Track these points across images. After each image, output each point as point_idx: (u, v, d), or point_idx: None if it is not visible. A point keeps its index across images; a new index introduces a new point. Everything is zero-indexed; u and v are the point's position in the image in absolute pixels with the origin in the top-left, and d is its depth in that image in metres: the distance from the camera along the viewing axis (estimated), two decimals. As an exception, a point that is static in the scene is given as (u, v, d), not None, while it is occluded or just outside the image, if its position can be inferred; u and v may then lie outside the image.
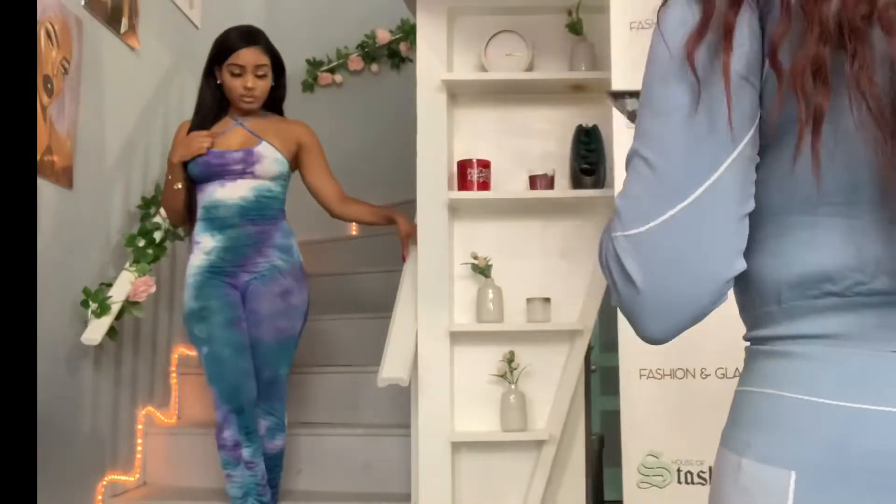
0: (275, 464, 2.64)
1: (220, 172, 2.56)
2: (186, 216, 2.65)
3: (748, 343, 0.72)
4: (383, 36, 4.59)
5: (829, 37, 0.57)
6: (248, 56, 2.59)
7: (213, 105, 2.68)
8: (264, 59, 2.61)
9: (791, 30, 0.59)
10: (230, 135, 2.62)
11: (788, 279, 0.65)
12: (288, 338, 2.58)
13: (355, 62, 4.62)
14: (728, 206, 0.64)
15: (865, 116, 0.57)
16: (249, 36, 2.65)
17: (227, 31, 2.69)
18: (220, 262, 2.55)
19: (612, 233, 0.67)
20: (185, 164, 2.59)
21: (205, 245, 2.57)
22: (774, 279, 0.66)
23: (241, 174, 2.56)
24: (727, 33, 0.61)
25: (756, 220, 0.66)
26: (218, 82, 2.65)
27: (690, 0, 0.64)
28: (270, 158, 2.58)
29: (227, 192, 2.55)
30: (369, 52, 4.61)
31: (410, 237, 2.56)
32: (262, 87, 2.62)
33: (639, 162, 0.66)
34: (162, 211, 3.08)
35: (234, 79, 2.60)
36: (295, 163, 2.70)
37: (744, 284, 0.69)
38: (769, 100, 0.62)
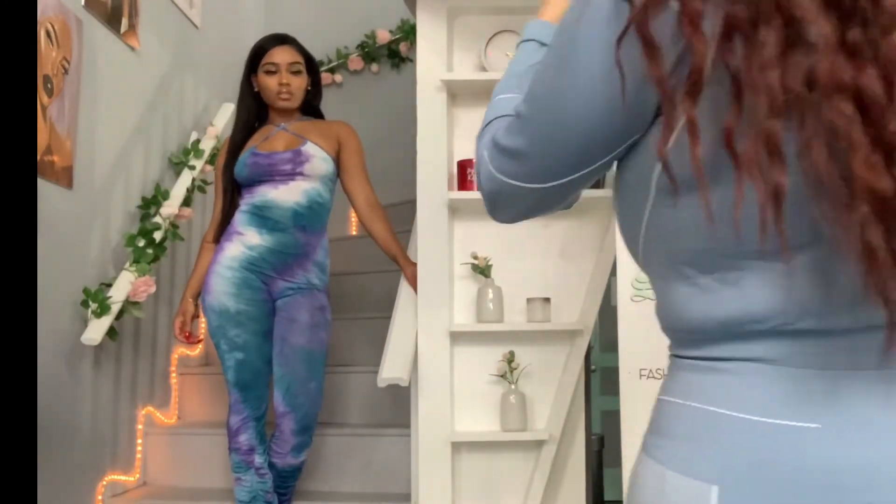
0: (295, 477, 2.65)
1: (270, 173, 2.56)
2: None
3: (673, 356, 0.74)
4: (383, 36, 4.59)
5: (778, 108, 0.56)
6: (282, 54, 2.62)
7: (253, 115, 2.69)
8: (298, 57, 2.64)
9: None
10: (274, 139, 2.63)
11: (715, 315, 0.66)
12: (325, 349, 2.59)
13: (355, 62, 4.63)
14: (575, 188, 0.76)
15: (816, 186, 0.56)
16: (280, 37, 2.69)
17: (259, 39, 2.72)
18: (263, 262, 2.54)
19: (487, 156, 0.78)
20: (230, 176, 2.63)
21: (249, 239, 2.54)
22: (701, 311, 0.67)
23: (292, 175, 2.56)
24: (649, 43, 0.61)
25: (685, 255, 0.67)
26: (255, 90, 2.66)
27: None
28: (318, 157, 2.59)
29: (282, 195, 2.55)
30: (369, 52, 4.62)
31: (415, 279, 2.54)
32: (298, 83, 2.63)
33: (523, 129, 0.73)
34: (162, 211, 3.08)
35: (270, 77, 2.61)
36: (338, 163, 2.69)
37: (671, 309, 0.71)
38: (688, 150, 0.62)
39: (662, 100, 0.61)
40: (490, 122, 0.83)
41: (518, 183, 0.76)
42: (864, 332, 0.62)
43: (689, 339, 0.70)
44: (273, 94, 2.61)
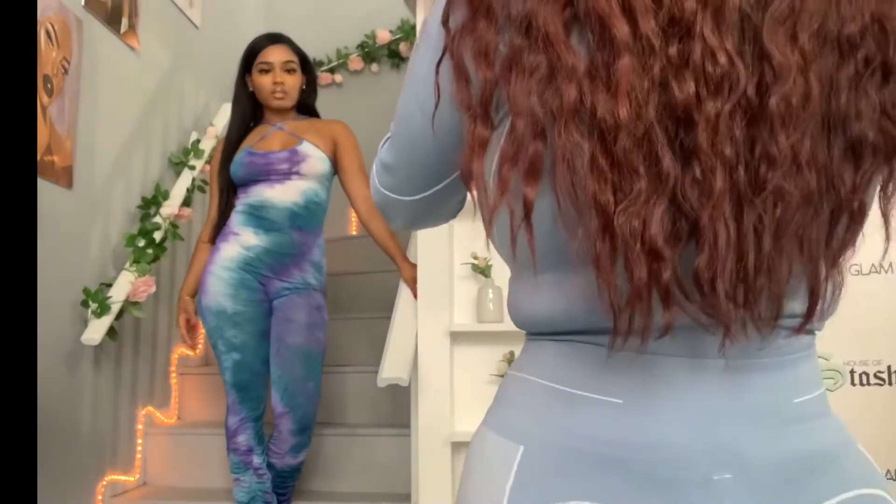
0: (294, 477, 2.65)
1: (267, 172, 2.56)
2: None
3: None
4: (383, 36, 4.59)
5: (538, 131, 0.60)
6: (275, 53, 2.61)
7: (248, 114, 2.69)
8: (292, 56, 2.64)
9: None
10: (270, 138, 2.63)
11: (539, 313, 0.71)
12: (322, 349, 2.59)
13: (355, 62, 4.63)
14: (443, 201, 0.81)
15: (564, 205, 0.60)
16: (274, 36, 2.68)
17: (253, 39, 2.71)
18: (259, 263, 2.54)
19: (375, 171, 0.83)
20: (227, 176, 2.63)
21: (245, 239, 2.54)
22: (531, 308, 0.72)
23: (288, 174, 2.56)
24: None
25: (519, 256, 0.71)
26: (250, 90, 2.66)
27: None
28: (315, 157, 2.59)
29: (278, 195, 2.55)
30: (369, 52, 4.62)
31: (413, 280, 2.54)
32: (292, 82, 2.62)
33: (393, 146, 0.78)
34: (162, 211, 3.08)
35: (264, 76, 2.61)
36: (335, 162, 2.69)
37: (512, 300, 0.76)
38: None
39: (465, 120, 0.65)
40: (385, 139, 0.88)
41: (394, 195, 0.81)
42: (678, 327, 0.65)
43: (526, 329, 0.75)
44: (267, 92, 2.61)
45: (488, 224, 0.69)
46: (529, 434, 0.68)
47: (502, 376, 2.48)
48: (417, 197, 0.80)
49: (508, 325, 2.50)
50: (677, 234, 0.58)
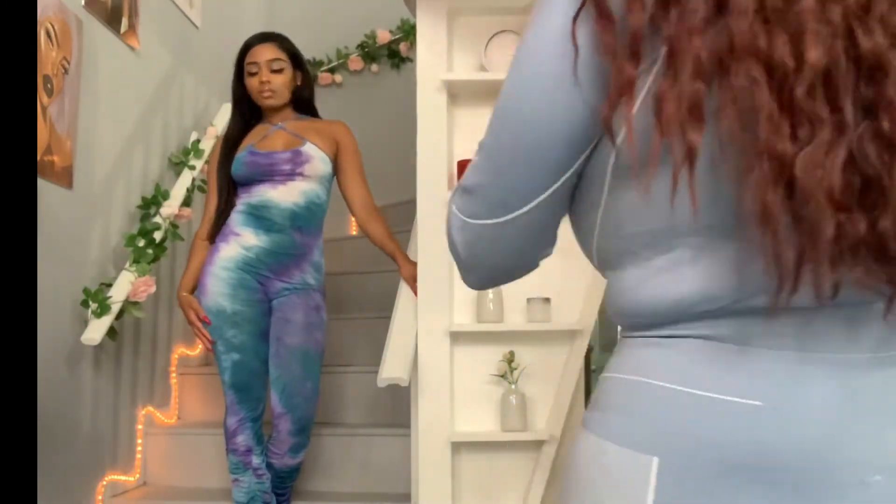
0: (293, 477, 2.65)
1: (269, 173, 2.55)
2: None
3: (623, 336, 0.74)
4: (383, 36, 4.59)
5: (702, 71, 0.57)
6: (262, 52, 2.60)
7: (247, 113, 2.68)
8: (279, 55, 2.62)
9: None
10: (272, 138, 2.62)
11: (671, 296, 0.65)
12: (321, 350, 2.59)
13: (355, 62, 4.63)
14: (543, 221, 0.74)
15: (728, 149, 0.57)
16: (264, 35, 2.68)
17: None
18: (259, 263, 2.53)
19: (454, 206, 0.77)
20: (226, 175, 2.60)
21: (246, 240, 2.53)
22: (655, 294, 0.66)
23: (291, 175, 2.55)
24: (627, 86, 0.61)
25: (642, 237, 0.67)
26: (246, 91, 2.66)
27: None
28: (318, 158, 2.59)
29: (280, 195, 2.54)
30: (369, 52, 4.62)
31: (413, 278, 2.53)
32: (279, 81, 2.61)
33: (484, 161, 0.73)
34: (162, 211, 3.08)
35: (252, 78, 2.61)
36: (335, 163, 2.68)
37: (621, 292, 0.70)
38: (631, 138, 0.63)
39: (612, 67, 0.61)
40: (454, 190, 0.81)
41: (490, 220, 0.73)
42: (816, 312, 0.62)
43: (639, 323, 0.69)
44: (256, 94, 2.61)
45: (639, 176, 0.63)
46: (662, 444, 0.63)
47: (502, 376, 2.48)
48: (511, 216, 0.72)
49: (508, 325, 2.50)
50: (852, 189, 0.55)
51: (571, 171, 0.70)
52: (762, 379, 0.62)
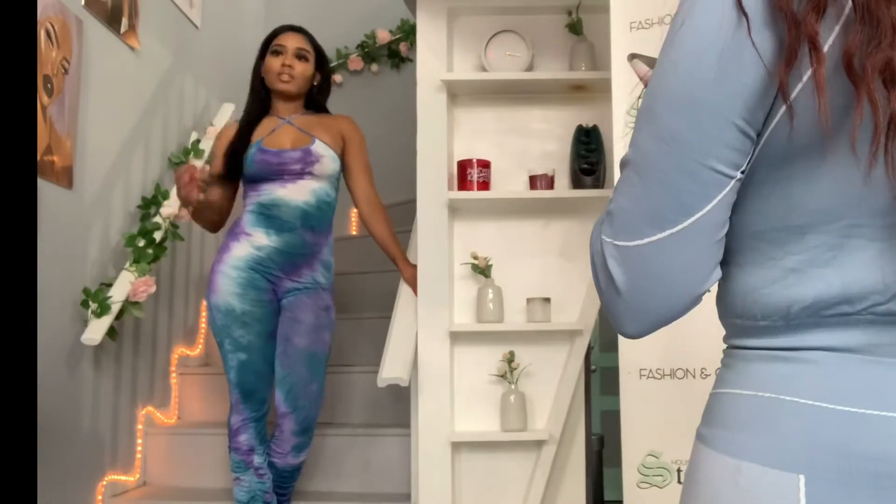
0: (295, 477, 2.65)
1: (279, 172, 2.54)
2: (222, 222, 2.63)
3: (735, 348, 0.72)
4: (383, 36, 4.59)
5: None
6: (292, 38, 2.63)
7: (259, 101, 2.66)
8: (307, 45, 2.65)
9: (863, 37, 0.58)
10: (280, 133, 2.61)
11: (803, 298, 0.64)
12: (328, 350, 2.58)
13: (355, 62, 4.63)
14: (710, 233, 0.66)
15: None
16: (294, 26, 2.71)
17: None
18: (270, 263, 2.52)
19: (603, 235, 0.70)
20: (239, 164, 2.57)
21: (256, 240, 2.52)
22: (786, 295, 0.65)
23: (301, 174, 2.55)
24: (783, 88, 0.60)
25: (772, 235, 0.65)
26: (262, 77, 2.64)
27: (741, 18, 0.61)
28: (328, 157, 2.58)
29: (290, 194, 2.53)
30: (369, 52, 4.62)
31: (413, 281, 2.54)
32: (302, 69, 2.61)
33: (634, 176, 0.67)
34: (162, 210, 3.08)
35: (275, 57, 2.61)
36: (342, 159, 2.68)
37: (742, 294, 0.68)
38: (804, 116, 0.61)
39: (787, 26, 0.59)
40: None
41: (623, 242, 0.67)
42: None
43: (760, 328, 0.67)
44: (274, 74, 2.59)
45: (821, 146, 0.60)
46: (806, 461, 0.62)
47: (502, 376, 2.49)
48: (659, 237, 0.66)
49: (508, 325, 2.50)
50: None
51: (752, 156, 0.65)
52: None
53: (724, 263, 0.70)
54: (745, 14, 0.60)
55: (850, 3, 0.58)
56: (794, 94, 0.60)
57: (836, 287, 0.62)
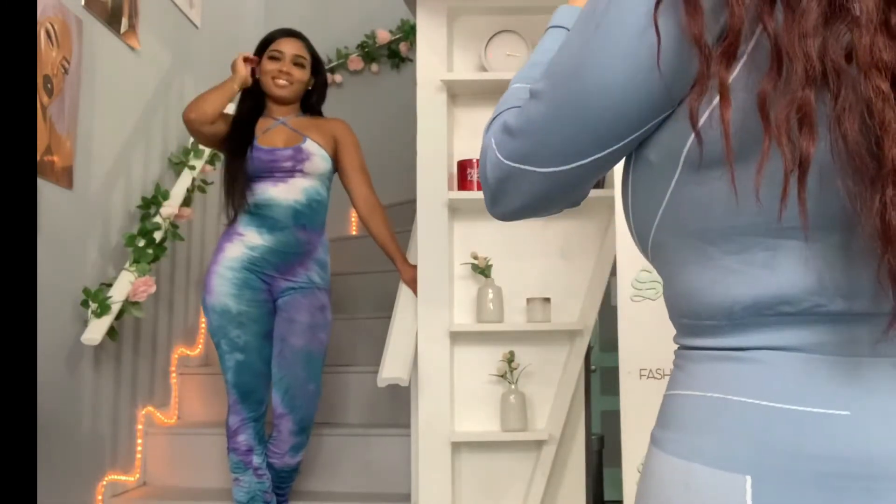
0: (293, 477, 2.65)
1: (271, 170, 2.55)
2: (208, 118, 2.53)
3: (682, 348, 0.72)
4: (383, 36, 4.59)
5: (814, 77, 0.56)
6: (289, 44, 2.64)
7: (252, 101, 2.66)
8: (304, 52, 2.66)
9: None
10: (273, 133, 2.62)
11: (743, 298, 0.64)
12: (324, 350, 2.59)
13: (355, 62, 4.63)
14: (587, 178, 0.72)
15: (844, 160, 0.56)
16: (292, 31, 2.71)
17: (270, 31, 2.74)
18: (264, 263, 2.53)
19: (494, 142, 0.74)
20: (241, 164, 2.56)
21: (249, 240, 2.54)
22: (727, 295, 0.65)
23: (291, 172, 2.56)
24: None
25: (708, 235, 0.65)
26: (257, 77, 2.65)
27: None
28: (318, 156, 2.59)
29: (281, 192, 2.55)
30: (369, 52, 4.62)
31: (413, 282, 2.54)
32: (299, 75, 2.63)
33: (539, 108, 0.69)
34: (162, 211, 3.08)
35: (272, 62, 2.61)
36: (335, 161, 2.69)
37: (686, 294, 0.68)
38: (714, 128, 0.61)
39: (699, 60, 0.60)
40: (500, 113, 0.78)
41: (529, 167, 0.71)
42: (884, 318, 0.61)
43: (706, 327, 0.67)
44: (270, 79, 2.61)
45: (730, 172, 0.60)
46: (753, 462, 0.61)
47: (502, 376, 2.49)
48: (566, 167, 0.70)
49: (508, 325, 2.50)
50: None
51: (631, 139, 0.67)
52: (844, 389, 0.61)
53: (668, 262, 0.70)
54: (659, 36, 0.61)
55: (762, 37, 0.58)
56: (701, 121, 0.61)
57: (772, 288, 0.62)
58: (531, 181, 0.72)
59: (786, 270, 0.62)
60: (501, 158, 0.73)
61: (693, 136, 0.62)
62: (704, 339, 0.68)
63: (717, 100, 0.60)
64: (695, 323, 0.68)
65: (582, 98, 0.66)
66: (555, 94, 0.68)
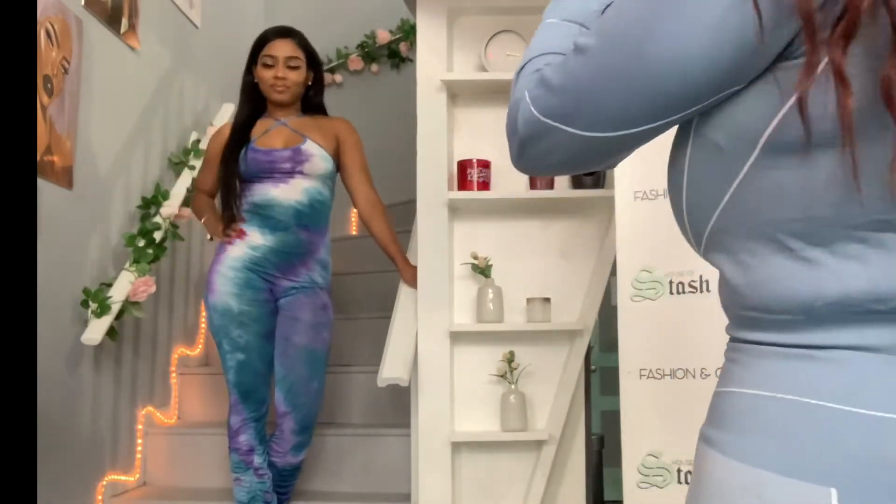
0: (294, 476, 2.65)
1: (270, 171, 2.55)
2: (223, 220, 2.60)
3: (745, 342, 0.66)
4: (383, 36, 4.59)
5: None
6: (281, 47, 2.61)
7: (251, 104, 2.67)
8: (297, 52, 2.63)
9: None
10: (273, 134, 2.62)
11: (829, 293, 0.58)
12: (327, 349, 2.59)
13: (355, 62, 4.63)
14: (630, 147, 0.67)
15: None
16: (283, 30, 2.68)
17: (264, 31, 2.72)
18: (266, 262, 2.53)
19: (529, 95, 0.69)
20: (234, 169, 2.58)
21: (252, 239, 2.54)
22: (809, 290, 0.59)
23: (291, 173, 2.55)
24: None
25: (789, 225, 0.60)
26: (255, 82, 2.66)
27: None
28: (318, 156, 2.59)
29: (282, 193, 2.54)
30: (369, 52, 4.62)
31: (413, 282, 2.54)
32: (294, 78, 2.62)
33: (587, 67, 0.64)
34: (162, 210, 3.08)
35: (267, 70, 2.61)
36: (337, 160, 2.68)
37: (756, 285, 0.63)
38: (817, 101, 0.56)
39: (806, 36, 0.54)
40: (532, 59, 0.73)
41: (568, 129, 0.65)
42: None
43: (776, 322, 0.62)
44: (268, 86, 2.61)
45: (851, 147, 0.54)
46: (839, 473, 0.56)
47: (502, 376, 2.48)
48: (604, 135, 0.64)
49: (508, 325, 2.50)
50: None
51: (690, 111, 0.62)
52: None
53: (731, 252, 0.65)
54: (758, 9, 0.56)
55: (879, 13, 0.53)
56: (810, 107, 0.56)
57: (864, 283, 0.57)
58: (569, 142, 0.67)
59: (881, 265, 0.57)
60: (537, 114, 0.67)
61: (778, 118, 0.58)
62: (773, 333, 0.63)
63: (825, 81, 0.54)
64: (762, 316, 0.63)
65: (644, 66, 0.60)
66: (610, 58, 0.62)
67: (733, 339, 0.68)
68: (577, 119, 0.65)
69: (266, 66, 2.60)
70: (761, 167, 0.60)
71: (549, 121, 0.66)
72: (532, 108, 0.68)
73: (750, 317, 0.65)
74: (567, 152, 0.68)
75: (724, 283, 0.68)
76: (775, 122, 0.58)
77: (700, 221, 0.67)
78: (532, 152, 0.70)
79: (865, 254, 0.58)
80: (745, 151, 0.61)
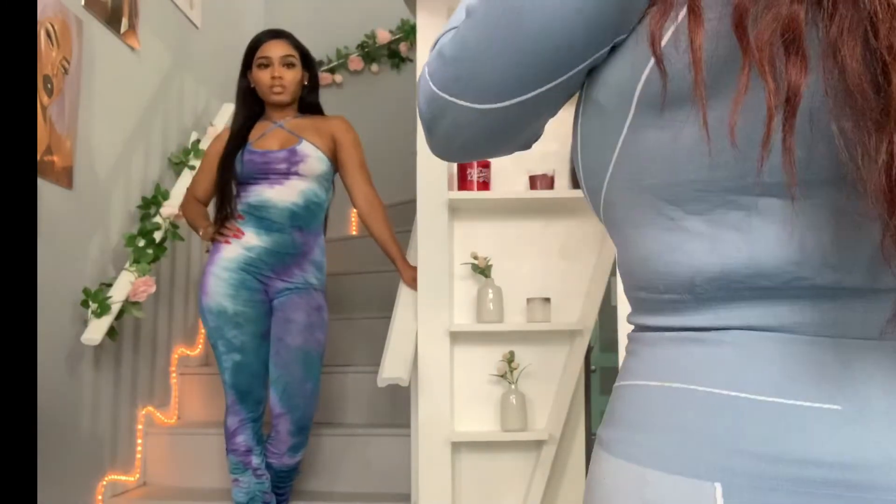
0: (292, 477, 2.65)
1: (265, 172, 2.55)
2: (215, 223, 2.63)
3: (637, 329, 0.61)
4: (383, 36, 4.59)
5: None
6: (274, 47, 2.62)
7: (248, 108, 2.67)
8: (291, 51, 2.63)
9: None
10: (269, 136, 2.62)
11: (708, 267, 0.52)
12: (321, 350, 2.59)
13: (355, 62, 4.63)
14: (532, 117, 0.61)
15: (841, 98, 0.44)
16: (274, 31, 2.69)
17: (255, 35, 2.72)
18: (261, 263, 2.54)
19: (428, 70, 0.63)
20: (231, 175, 2.60)
21: (247, 240, 2.54)
22: (689, 264, 0.53)
23: (287, 174, 2.56)
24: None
25: (669, 190, 0.54)
26: (251, 86, 2.66)
27: None
28: (314, 157, 2.58)
29: (278, 194, 2.55)
30: (369, 52, 4.62)
31: (413, 283, 2.54)
32: (291, 77, 2.62)
33: (474, 32, 0.58)
34: (162, 210, 3.08)
35: (263, 70, 2.61)
36: (335, 160, 2.68)
37: (640, 261, 0.57)
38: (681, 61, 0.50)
39: None
40: (440, 36, 0.65)
41: (463, 102, 0.59)
42: (885, 296, 0.51)
43: (665, 303, 0.56)
44: (266, 87, 2.61)
45: (703, 112, 0.48)
46: (723, 466, 0.50)
47: (502, 376, 2.49)
48: (505, 104, 0.58)
49: (508, 325, 2.50)
50: None
51: (576, 70, 0.56)
52: (834, 377, 0.50)
53: (620, 223, 0.59)
54: None
55: None
56: (664, 43, 0.50)
57: (744, 256, 0.51)
58: (467, 119, 0.60)
59: (763, 235, 0.51)
60: (434, 88, 0.61)
61: (648, 68, 0.52)
62: (663, 317, 0.57)
63: (683, 17, 0.49)
64: (652, 297, 0.57)
65: (516, 18, 0.54)
66: (487, 14, 0.56)
67: (633, 328, 0.62)
68: (468, 91, 0.58)
69: (262, 67, 2.60)
70: (639, 127, 0.54)
71: (445, 95, 0.60)
72: (430, 83, 0.62)
73: (640, 298, 0.59)
74: (470, 131, 0.61)
75: (619, 260, 0.62)
76: (645, 73, 0.53)
77: (595, 191, 0.61)
78: (439, 133, 0.64)
79: (747, 222, 0.51)
80: (623, 109, 0.55)
